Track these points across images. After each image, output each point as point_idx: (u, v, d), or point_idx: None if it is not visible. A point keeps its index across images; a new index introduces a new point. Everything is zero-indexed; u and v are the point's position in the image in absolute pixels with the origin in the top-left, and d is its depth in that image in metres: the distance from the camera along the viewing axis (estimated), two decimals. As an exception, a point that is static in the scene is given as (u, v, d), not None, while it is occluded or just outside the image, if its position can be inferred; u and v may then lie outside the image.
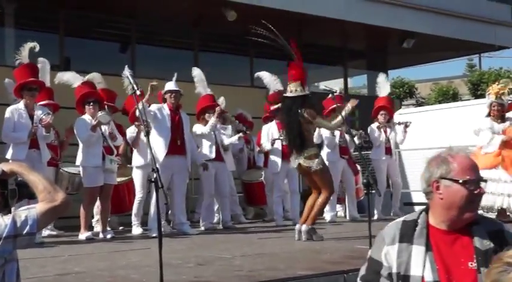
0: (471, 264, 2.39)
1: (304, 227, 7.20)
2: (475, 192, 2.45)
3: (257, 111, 10.94)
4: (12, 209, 2.96)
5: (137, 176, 8.61)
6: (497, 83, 9.27)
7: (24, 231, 2.72)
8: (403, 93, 28.53)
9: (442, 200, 2.47)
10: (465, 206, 2.44)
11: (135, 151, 8.66)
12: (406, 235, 2.49)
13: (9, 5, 11.13)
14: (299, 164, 7.30)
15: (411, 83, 29.75)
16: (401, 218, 2.61)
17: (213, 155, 9.04)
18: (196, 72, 9.32)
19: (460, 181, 2.44)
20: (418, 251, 2.45)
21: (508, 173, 8.80)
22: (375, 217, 9.94)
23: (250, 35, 7.14)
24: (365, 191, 9.75)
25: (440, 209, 2.49)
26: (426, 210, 2.56)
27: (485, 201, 8.76)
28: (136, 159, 8.63)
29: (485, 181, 2.51)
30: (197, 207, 10.21)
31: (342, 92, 9.32)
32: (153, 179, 4.48)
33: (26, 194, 2.90)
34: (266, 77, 10.00)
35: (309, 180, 7.54)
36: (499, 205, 8.77)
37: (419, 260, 2.43)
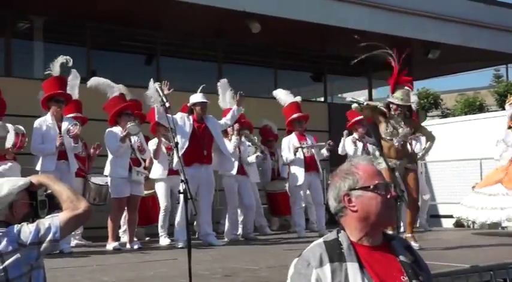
0: (403, 278, 2.33)
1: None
2: (388, 196, 2.38)
3: (281, 122, 10.95)
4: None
5: (160, 188, 8.68)
6: None
7: (48, 238, 2.79)
8: (428, 105, 28.35)
9: (357, 213, 2.38)
10: (381, 211, 2.36)
11: (155, 162, 8.70)
12: (335, 254, 2.33)
13: (38, 19, 11.34)
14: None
15: (436, 94, 29.56)
16: (320, 240, 2.43)
17: (235, 172, 9.10)
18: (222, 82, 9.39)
19: (371, 187, 2.37)
20: (353, 268, 2.30)
21: (505, 186, 8.65)
22: (401, 229, 9.86)
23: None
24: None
25: (356, 222, 2.38)
26: (342, 229, 2.43)
27: (481, 216, 8.68)
28: (157, 171, 8.69)
29: (392, 185, 2.44)
30: (222, 219, 10.23)
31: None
32: (182, 190, 4.52)
33: (56, 205, 2.98)
34: (279, 94, 10.02)
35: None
36: (491, 220, 8.66)
37: (357, 278, 2.28)
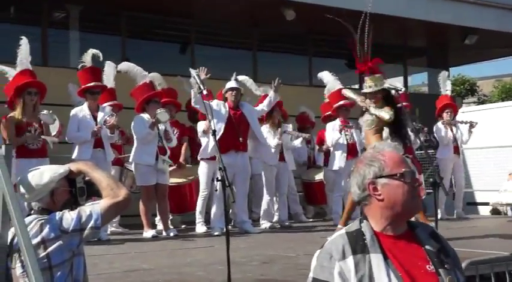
0: (429, 267, 2.26)
1: None
2: (415, 184, 2.31)
3: (316, 110, 10.89)
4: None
5: (203, 171, 8.51)
6: None
7: (89, 225, 2.83)
8: (464, 91, 27.95)
9: (383, 201, 2.30)
10: (408, 200, 2.29)
11: (203, 144, 8.54)
12: (358, 246, 2.26)
13: (74, 8, 11.43)
14: None
15: (473, 81, 29.10)
16: (342, 230, 2.36)
17: (275, 162, 9.12)
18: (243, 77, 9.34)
19: (397, 175, 2.30)
20: (377, 259, 2.23)
21: None
22: (439, 217, 9.75)
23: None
24: (430, 190, 9.57)
25: (382, 211, 2.31)
26: (364, 218, 2.36)
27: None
28: (203, 152, 8.46)
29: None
30: (254, 206, 10.23)
31: (405, 90, 9.18)
32: (219, 178, 4.51)
33: (94, 191, 3.01)
34: (326, 76, 9.93)
35: None
36: None
37: (381, 269, 2.21)
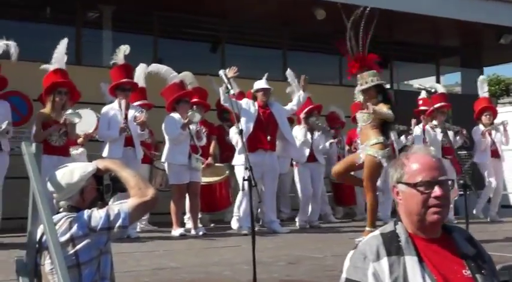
0: (465, 272, 2.22)
1: None
2: (432, 195, 2.23)
3: (346, 110, 10.83)
4: (110, 202, 3.11)
5: (239, 174, 8.38)
6: None
7: (117, 224, 2.86)
8: (499, 91, 27.53)
9: (403, 206, 2.30)
10: (421, 211, 2.24)
11: (237, 150, 8.51)
12: (393, 247, 2.24)
13: (107, 8, 11.56)
14: None
15: (508, 81, 28.66)
16: (377, 231, 2.35)
17: (304, 160, 9.12)
18: (288, 72, 9.34)
19: (412, 184, 2.26)
20: (412, 262, 2.20)
21: None
22: (474, 212, 9.76)
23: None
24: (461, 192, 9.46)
25: (405, 215, 2.31)
26: (399, 219, 2.35)
27: None
28: (237, 158, 8.41)
29: (453, 180, 2.29)
30: (281, 206, 10.22)
31: (436, 91, 9.05)
32: (246, 177, 4.53)
33: (119, 188, 3.05)
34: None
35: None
36: None
37: (416, 272, 2.18)
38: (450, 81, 23.72)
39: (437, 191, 2.23)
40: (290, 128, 8.86)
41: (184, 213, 8.74)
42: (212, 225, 9.38)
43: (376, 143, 6.81)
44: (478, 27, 13.34)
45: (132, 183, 2.94)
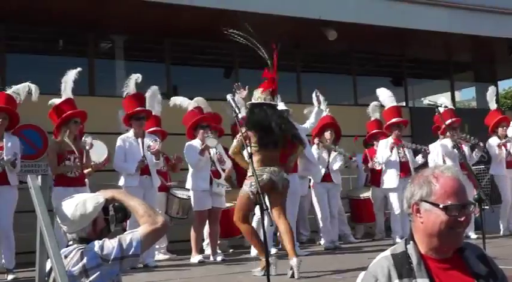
0: None
1: None
2: (459, 219, 2.20)
3: (361, 129, 10.80)
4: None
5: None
6: None
7: (130, 253, 2.85)
8: (515, 104, 27.31)
9: (422, 225, 2.25)
10: (446, 233, 2.20)
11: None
12: (404, 269, 2.21)
13: (119, 38, 11.68)
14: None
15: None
16: (388, 252, 2.32)
17: (319, 180, 9.07)
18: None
19: (441, 206, 2.20)
20: None
21: None
22: (501, 233, 9.60)
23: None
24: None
25: (422, 235, 2.26)
26: (411, 239, 2.31)
27: None
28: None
29: (474, 204, 2.26)
30: (301, 228, 10.14)
31: (447, 106, 8.98)
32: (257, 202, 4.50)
33: (122, 217, 3.05)
34: (382, 93, 9.87)
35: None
36: None
37: None
38: (467, 96, 23.59)
39: (464, 215, 2.22)
40: (310, 146, 8.85)
41: (203, 240, 8.71)
42: (231, 250, 9.33)
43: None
44: (488, 41, 13.29)
45: (141, 211, 2.95)
